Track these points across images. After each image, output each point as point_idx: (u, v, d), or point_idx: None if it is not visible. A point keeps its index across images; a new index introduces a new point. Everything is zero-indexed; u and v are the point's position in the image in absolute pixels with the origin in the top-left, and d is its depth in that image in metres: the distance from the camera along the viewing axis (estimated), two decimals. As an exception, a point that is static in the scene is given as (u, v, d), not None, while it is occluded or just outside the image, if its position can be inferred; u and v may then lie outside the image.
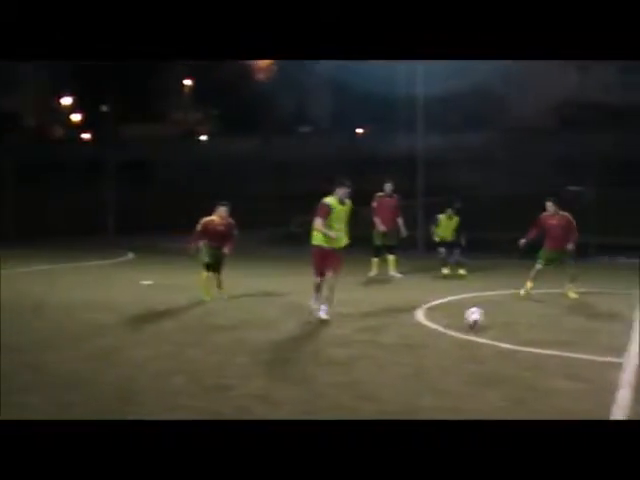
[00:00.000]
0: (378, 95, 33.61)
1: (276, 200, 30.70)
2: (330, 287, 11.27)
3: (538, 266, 14.15)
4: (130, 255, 23.74)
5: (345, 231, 11.41)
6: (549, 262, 14.22)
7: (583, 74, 42.67)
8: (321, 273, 11.33)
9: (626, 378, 7.82)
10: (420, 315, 11.93)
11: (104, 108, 41.46)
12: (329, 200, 11.23)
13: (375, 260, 17.44)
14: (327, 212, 11.11)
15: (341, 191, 11.24)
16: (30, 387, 7.27)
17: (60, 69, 41.68)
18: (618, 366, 8.37)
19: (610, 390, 7.29)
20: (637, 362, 8.56)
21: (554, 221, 14.08)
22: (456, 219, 18.07)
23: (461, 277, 17.63)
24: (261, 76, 44.25)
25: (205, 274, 13.26)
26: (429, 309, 12.57)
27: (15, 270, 18.13)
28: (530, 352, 9.13)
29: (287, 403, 6.82)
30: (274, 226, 30.21)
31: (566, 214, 14.16)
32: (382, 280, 16.98)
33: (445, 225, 18.07)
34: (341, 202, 11.26)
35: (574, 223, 14.10)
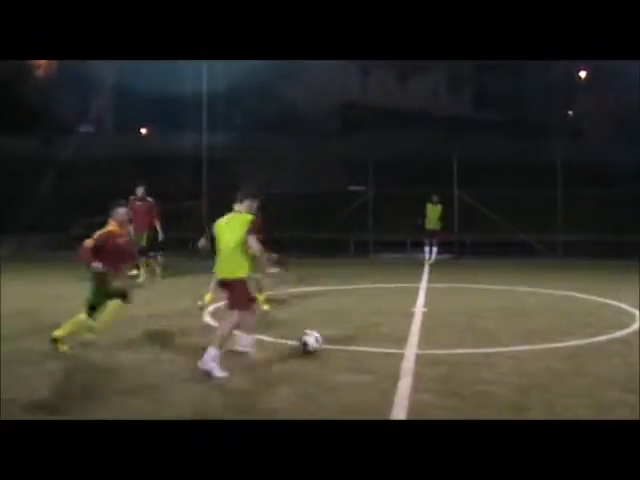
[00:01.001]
0: (162, 95, 33.18)
1: (56, 202, 29.45)
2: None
3: None
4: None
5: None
6: None
7: (364, 77, 44.17)
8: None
9: (406, 367, 8.12)
10: (207, 316, 11.81)
11: None
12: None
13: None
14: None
15: (254, 203, 8.85)
16: None
17: None
18: (400, 356, 8.68)
19: (392, 380, 7.54)
20: (416, 352, 8.94)
21: None
22: None
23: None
24: (40, 73, 42.47)
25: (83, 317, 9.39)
26: (215, 310, 12.46)
27: None
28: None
29: (74, 411, 6.57)
30: (55, 230, 28.92)
31: None
32: (167, 283, 16.73)
33: None
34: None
35: None
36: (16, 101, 39.55)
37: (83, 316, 9.29)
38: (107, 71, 38.61)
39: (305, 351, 8.93)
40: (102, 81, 41.75)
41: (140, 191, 17.00)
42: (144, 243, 17.01)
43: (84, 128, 44.95)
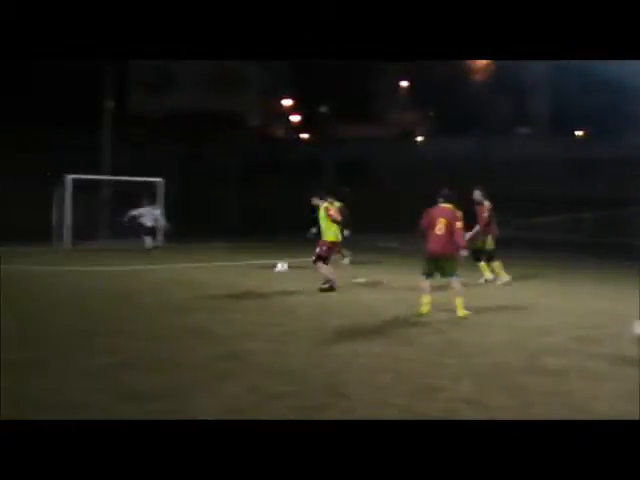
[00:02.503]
0: (599, 96, 32.31)
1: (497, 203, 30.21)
2: None
3: None
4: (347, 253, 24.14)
5: None
6: None
7: None
8: None
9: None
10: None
11: (322, 109, 42.77)
12: None
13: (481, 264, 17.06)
14: None
15: None
16: (233, 376, 7.60)
17: (281, 70, 43.27)
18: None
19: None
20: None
21: None
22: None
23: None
24: (478, 77, 43.75)
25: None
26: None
27: (235, 263, 19.16)
28: None
29: (496, 409, 6.75)
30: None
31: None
32: (592, 288, 16.46)
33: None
34: None
35: None
36: (455, 104, 41.22)
37: None
38: (541, 72, 38.60)
39: None
40: (538, 82, 41.83)
41: (477, 195, 17.03)
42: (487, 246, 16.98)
43: (520, 129, 45.46)
